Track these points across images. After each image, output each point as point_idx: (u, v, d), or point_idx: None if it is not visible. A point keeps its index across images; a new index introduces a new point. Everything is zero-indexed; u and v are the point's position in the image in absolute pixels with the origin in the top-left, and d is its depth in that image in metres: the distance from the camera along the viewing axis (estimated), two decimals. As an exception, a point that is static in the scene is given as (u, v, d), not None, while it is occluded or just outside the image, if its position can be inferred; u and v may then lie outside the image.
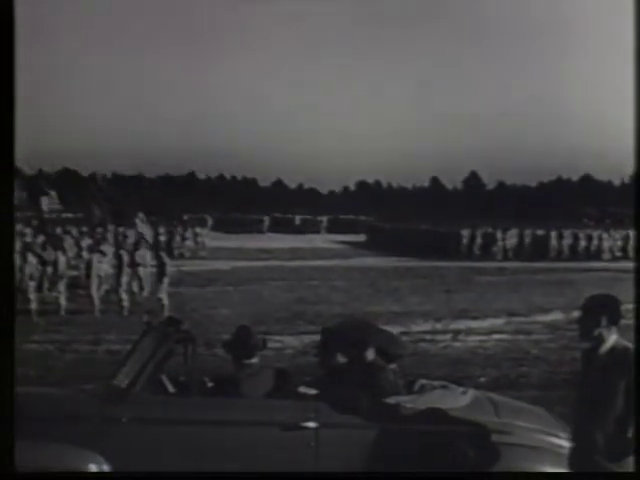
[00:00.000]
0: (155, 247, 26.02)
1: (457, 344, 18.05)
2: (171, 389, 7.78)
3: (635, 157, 7.18)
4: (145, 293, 24.18)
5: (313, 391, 7.54)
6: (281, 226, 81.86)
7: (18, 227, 28.68)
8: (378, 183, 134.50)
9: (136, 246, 25.31)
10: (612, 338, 6.00)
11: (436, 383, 7.88)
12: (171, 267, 25.22)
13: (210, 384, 8.00)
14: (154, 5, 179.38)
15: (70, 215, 53.65)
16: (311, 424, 7.05)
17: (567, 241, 50.92)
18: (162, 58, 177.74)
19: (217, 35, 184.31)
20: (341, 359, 7.66)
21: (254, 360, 7.74)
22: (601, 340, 6.01)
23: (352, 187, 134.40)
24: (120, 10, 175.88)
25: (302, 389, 7.59)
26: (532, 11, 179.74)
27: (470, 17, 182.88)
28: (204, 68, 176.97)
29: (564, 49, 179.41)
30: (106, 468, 6.90)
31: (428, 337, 18.75)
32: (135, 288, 23.66)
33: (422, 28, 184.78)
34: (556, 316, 22.34)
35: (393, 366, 7.72)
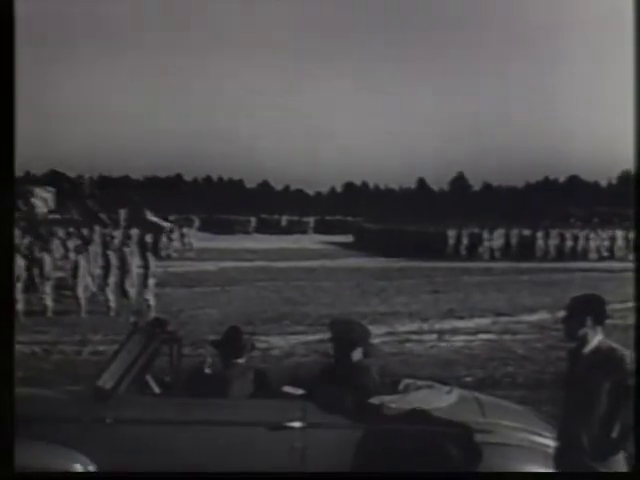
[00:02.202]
0: (141, 248, 25.97)
1: (443, 344, 18.06)
2: (156, 390, 7.79)
3: (635, 157, 7.22)
4: (132, 294, 24.14)
5: (299, 391, 7.56)
6: (268, 227, 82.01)
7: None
8: (365, 184, 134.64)
9: (123, 247, 25.26)
10: (597, 338, 6.02)
11: (421, 382, 7.88)
12: (158, 268, 25.19)
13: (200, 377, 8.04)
14: (148, 11, 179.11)
15: (57, 216, 53.51)
16: (297, 424, 7.06)
17: (554, 241, 51.04)
18: (151, 60, 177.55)
19: (206, 37, 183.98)
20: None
21: (241, 360, 7.76)
22: (586, 340, 6.03)
23: (339, 188, 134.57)
24: (115, 15, 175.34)
25: (287, 389, 7.62)
26: (524, 12, 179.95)
27: (462, 20, 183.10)
28: (192, 70, 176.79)
29: (555, 50, 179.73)
30: (91, 469, 6.91)
31: (414, 337, 18.77)
32: (121, 289, 23.61)
33: (412, 31, 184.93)
34: (542, 316, 22.38)
35: (371, 362, 7.74)
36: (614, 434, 5.87)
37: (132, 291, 23.80)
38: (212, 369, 8.10)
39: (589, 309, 6.06)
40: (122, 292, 23.39)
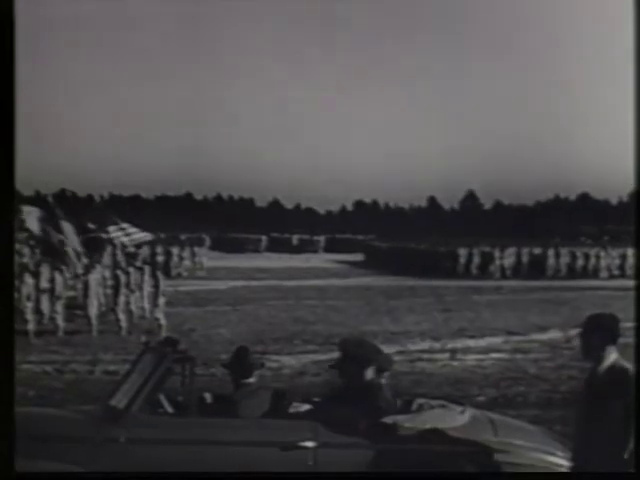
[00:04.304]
0: (152, 267, 25.94)
1: (455, 363, 18.02)
2: (169, 409, 7.78)
3: (635, 174, 7.20)
4: (143, 313, 24.10)
5: (306, 406, 7.58)
6: (278, 246, 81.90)
7: (16, 247, 28.62)
8: (375, 203, 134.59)
9: (133, 266, 25.23)
10: (612, 357, 6.01)
11: (434, 402, 7.87)
12: (169, 287, 25.18)
13: (210, 400, 8.06)
14: (154, 28, 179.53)
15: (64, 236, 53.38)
16: (309, 444, 7.05)
17: (564, 259, 50.86)
18: (160, 78, 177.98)
19: (213, 54, 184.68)
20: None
21: (251, 380, 7.76)
22: (601, 358, 6.03)
23: (349, 207, 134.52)
24: (120, 30, 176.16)
25: (295, 405, 7.65)
26: (532, 28, 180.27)
27: (468, 33, 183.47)
28: (201, 88, 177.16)
29: (562, 66, 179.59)
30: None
31: (426, 356, 18.72)
32: (132, 308, 23.54)
33: (419, 44, 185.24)
34: (554, 335, 22.32)
35: (384, 380, 7.72)
36: (625, 455, 5.84)
37: (142, 310, 23.74)
38: (213, 398, 8.15)
39: (604, 328, 6.07)
40: (132, 311, 23.32)
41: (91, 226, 34.08)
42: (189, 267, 49.28)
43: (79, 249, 28.38)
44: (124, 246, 32.70)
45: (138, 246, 36.24)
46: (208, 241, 76.91)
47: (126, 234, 33.62)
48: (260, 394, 7.73)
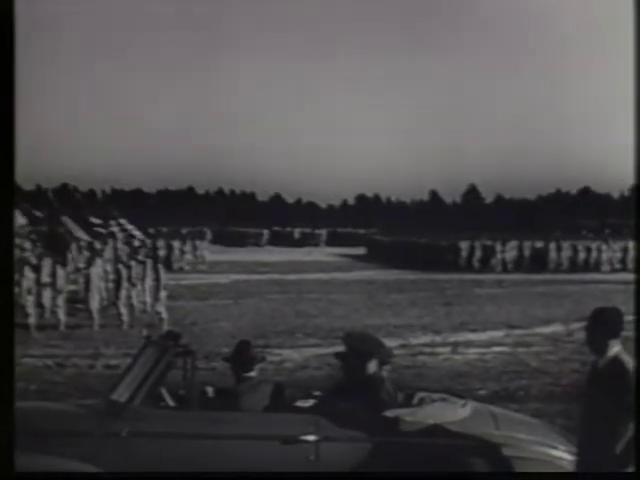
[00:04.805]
0: (153, 260, 25.91)
1: (457, 357, 18.00)
2: (171, 403, 7.78)
3: (635, 168, 7.19)
4: (144, 307, 24.09)
5: (310, 402, 7.57)
6: (280, 239, 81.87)
7: (17, 241, 28.59)
8: (377, 197, 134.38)
9: (134, 260, 25.20)
10: (614, 350, 6.01)
11: (435, 396, 7.86)
12: (170, 281, 25.15)
13: (211, 394, 8.07)
14: (155, 22, 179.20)
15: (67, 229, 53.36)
16: (311, 437, 7.04)
17: (566, 253, 50.80)
18: (160, 73, 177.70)
19: (215, 48, 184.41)
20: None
21: (253, 373, 7.75)
22: (603, 352, 6.03)
23: (351, 201, 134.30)
24: (120, 26, 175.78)
25: (299, 402, 7.64)
26: (532, 24, 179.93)
27: (469, 32, 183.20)
28: (202, 83, 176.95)
29: (563, 62, 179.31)
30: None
31: (428, 350, 18.71)
32: (134, 302, 23.52)
33: (420, 41, 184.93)
34: (556, 328, 22.30)
35: (386, 374, 7.72)
36: (619, 446, 5.83)
37: (144, 304, 23.73)
38: (214, 392, 8.17)
39: (607, 321, 6.07)
40: (133, 305, 23.30)
41: (94, 220, 34.16)
42: (191, 261, 49.26)
43: (86, 239, 28.39)
44: (126, 240, 32.76)
45: (141, 240, 36.30)
46: (210, 235, 76.75)
47: (128, 229, 33.70)
48: (262, 388, 7.73)
